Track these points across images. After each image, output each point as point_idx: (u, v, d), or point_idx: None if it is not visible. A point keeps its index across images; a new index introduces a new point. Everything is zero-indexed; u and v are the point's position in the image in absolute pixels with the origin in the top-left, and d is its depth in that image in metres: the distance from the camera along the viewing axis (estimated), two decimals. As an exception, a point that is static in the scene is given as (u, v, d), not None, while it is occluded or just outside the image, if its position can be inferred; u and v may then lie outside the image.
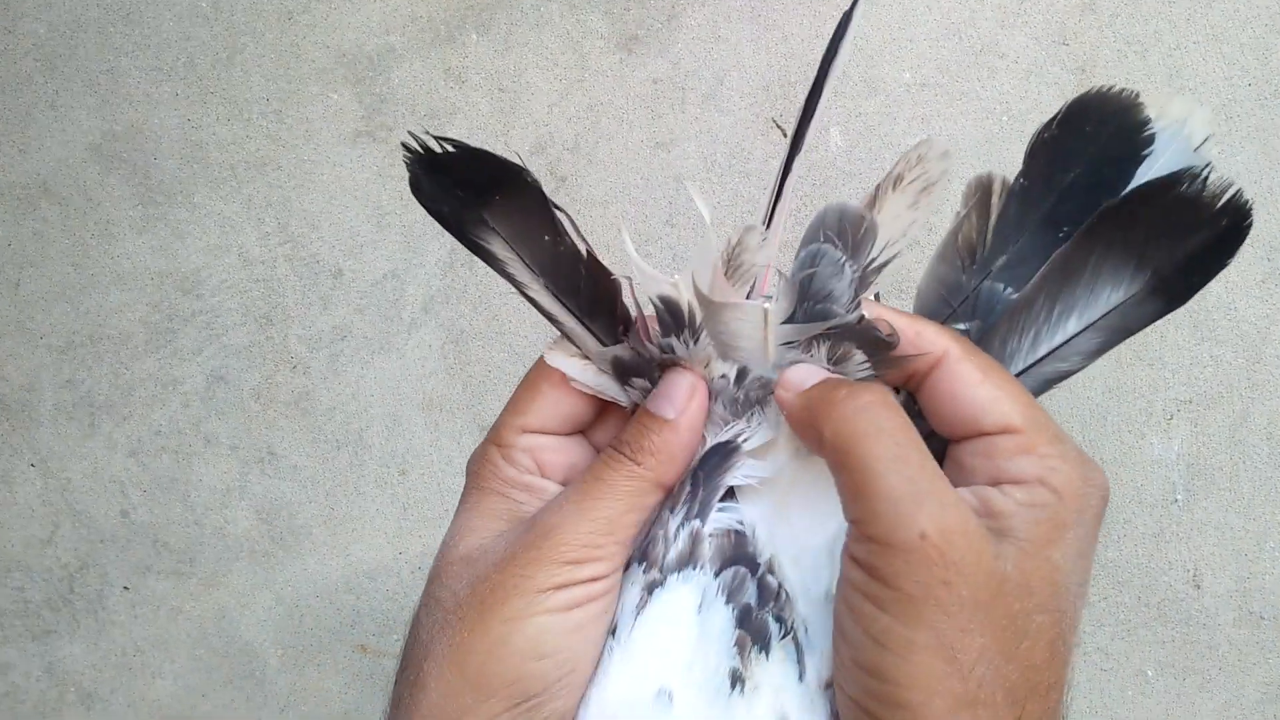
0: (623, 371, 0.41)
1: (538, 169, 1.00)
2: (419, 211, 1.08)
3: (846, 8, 0.39)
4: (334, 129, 1.04)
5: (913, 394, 0.39)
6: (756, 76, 0.94)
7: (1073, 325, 0.40)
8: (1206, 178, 0.37)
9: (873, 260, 0.39)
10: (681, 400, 0.39)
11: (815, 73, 0.39)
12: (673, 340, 0.39)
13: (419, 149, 0.37)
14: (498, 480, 0.40)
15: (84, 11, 1.07)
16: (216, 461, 1.12)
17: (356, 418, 1.09)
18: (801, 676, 0.38)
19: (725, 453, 0.40)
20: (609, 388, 0.41)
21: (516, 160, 0.36)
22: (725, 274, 0.37)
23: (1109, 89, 0.39)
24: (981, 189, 0.42)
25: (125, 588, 1.15)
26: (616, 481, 0.38)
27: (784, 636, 0.38)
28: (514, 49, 0.98)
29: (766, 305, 0.38)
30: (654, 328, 0.40)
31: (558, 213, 0.38)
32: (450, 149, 0.36)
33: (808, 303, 0.39)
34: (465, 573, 0.38)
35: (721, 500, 0.40)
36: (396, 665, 0.40)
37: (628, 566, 0.40)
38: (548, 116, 0.99)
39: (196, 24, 1.05)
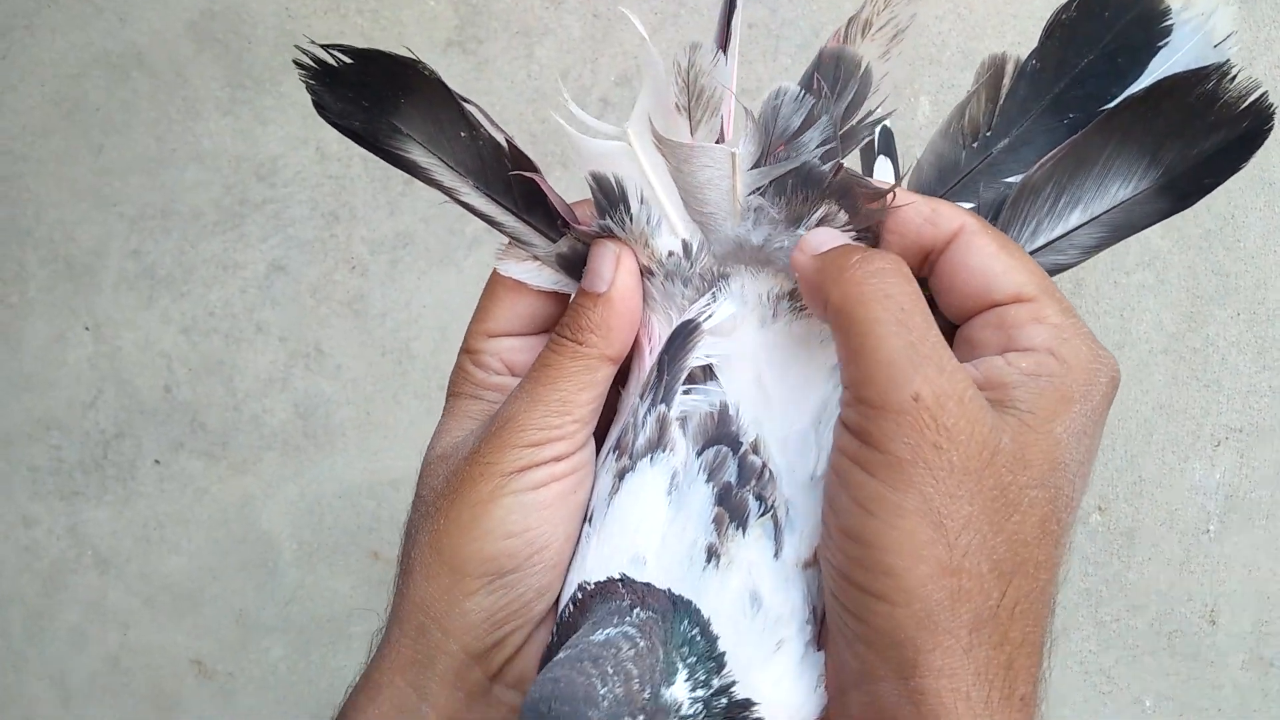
0: (574, 265, 0.41)
1: (620, 101, 1.01)
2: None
3: None
4: (426, 35, 1.05)
5: (924, 279, 0.38)
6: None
7: (1076, 217, 0.39)
8: (1234, 76, 0.36)
9: (855, 112, 0.37)
10: (609, 271, 0.39)
11: None
12: (609, 221, 0.39)
13: (313, 64, 0.36)
14: (469, 384, 0.42)
15: (205, -111, 1.09)
16: (265, 350, 1.14)
17: (407, 327, 1.11)
18: (777, 555, 0.38)
19: (686, 333, 0.40)
20: (563, 284, 0.41)
21: (408, 55, 0.36)
22: (689, 106, 0.36)
23: None
24: (994, 68, 0.41)
25: (157, 461, 1.17)
26: (563, 364, 0.39)
27: (762, 514, 0.38)
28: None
29: (733, 149, 0.37)
30: (589, 210, 0.39)
31: (467, 105, 0.37)
32: (344, 58, 0.36)
33: (774, 148, 0.37)
34: (441, 469, 0.40)
35: (699, 384, 0.40)
36: None
37: (605, 458, 0.41)
38: (637, 49, 1.00)
39: (311, -84, 1.07)
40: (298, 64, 0.35)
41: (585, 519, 0.40)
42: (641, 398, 0.40)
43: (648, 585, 0.37)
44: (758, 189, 0.37)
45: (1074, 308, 0.36)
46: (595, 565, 0.38)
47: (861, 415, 0.34)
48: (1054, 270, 0.40)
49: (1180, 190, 0.38)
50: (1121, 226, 0.39)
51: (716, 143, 0.37)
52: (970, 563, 0.32)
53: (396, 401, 1.12)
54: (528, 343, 0.42)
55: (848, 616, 0.34)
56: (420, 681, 0.39)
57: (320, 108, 0.37)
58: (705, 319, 0.39)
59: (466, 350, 0.42)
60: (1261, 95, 0.37)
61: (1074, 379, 0.34)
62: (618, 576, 0.37)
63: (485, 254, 1.07)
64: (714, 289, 0.40)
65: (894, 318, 0.33)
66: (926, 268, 0.38)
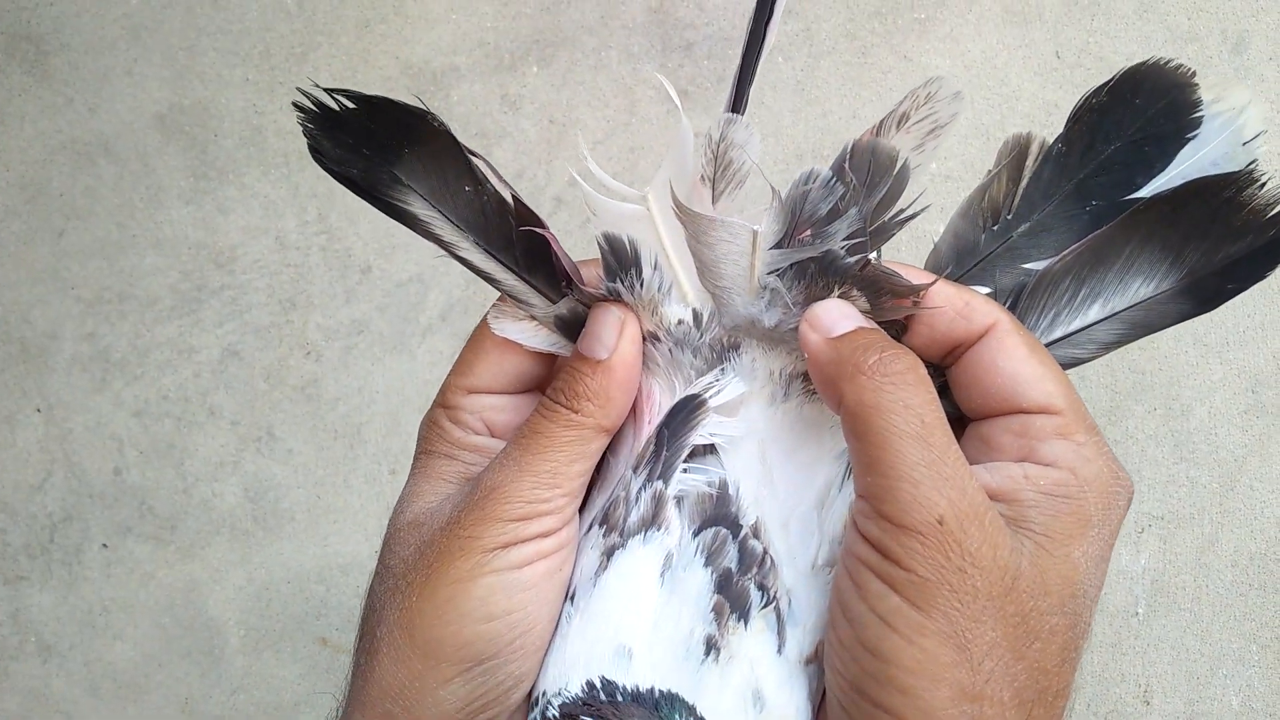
0: (572, 327, 0.38)
1: (573, 200, 1.05)
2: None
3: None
4: (389, 133, 1.09)
5: (943, 369, 0.37)
6: (791, 145, 0.99)
7: (1095, 312, 0.38)
8: (1264, 183, 0.35)
9: (888, 208, 0.36)
10: (611, 338, 0.37)
11: None
12: (619, 285, 0.37)
13: (313, 108, 0.34)
14: (444, 443, 0.39)
15: (176, -9, 1.14)
16: (216, 434, 1.14)
17: (359, 412, 1.13)
18: (780, 649, 0.36)
19: (691, 408, 0.38)
20: (560, 346, 0.39)
21: (419, 104, 0.34)
22: (714, 178, 0.35)
23: (1165, 61, 0.37)
24: (1018, 149, 0.39)
25: (104, 545, 1.17)
26: (555, 432, 0.36)
27: (765, 606, 0.36)
28: (570, 85, 1.04)
29: (755, 226, 0.35)
30: (597, 272, 0.37)
31: (474, 159, 0.35)
32: (348, 103, 0.34)
33: (799, 232, 0.35)
34: (412, 537, 0.37)
35: (698, 458, 0.38)
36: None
37: (589, 530, 0.38)
38: (591, 153, 1.04)
39: (279, 18, 1.11)
40: (297, 106, 0.34)
41: (567, 597, 0.37)
42: (635, 471, 0.37)
43: (626, 704, 0.34)
44: (776, 270, 0.36)
45: (1095, 424, 0.35)
46: (576, 654, 0.35)
47: (882, 530, 0.32)
48: (1070, 364, 0.39)
49: (1203, 294, 0.37)
50: (1141, 325, 0.38)
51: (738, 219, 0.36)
52: (992, 689, 0.31)
53: (347, 485, 1.13)
54: (511, 402, 0.39)
55: None
56: None
57: (316, 153, 0.35)
58: (712, 395, 0.37)
59: (444, 406, 0.39)
60: None
61: (1093, 502, 0.33)
62: (597, 683, 0.35)
63: (439, 341, 1.10)
64: (724, 362, 0.38)
65: (915, 432, 0.32)
66: (950, 359, 0.36)
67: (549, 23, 1.06)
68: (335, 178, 0.36)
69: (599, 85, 1.04)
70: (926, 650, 0.31)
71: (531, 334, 0.38)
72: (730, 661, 0.35)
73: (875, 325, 0.36)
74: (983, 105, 0.99)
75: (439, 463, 0.39)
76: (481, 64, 1.08)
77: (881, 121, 0.36)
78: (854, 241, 0.35)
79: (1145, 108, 0.37)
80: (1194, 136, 0.37)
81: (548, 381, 0.40)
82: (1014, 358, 0.35)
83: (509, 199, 0.36)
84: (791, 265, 0.36)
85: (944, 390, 0.37)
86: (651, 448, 0.37)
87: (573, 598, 0.37)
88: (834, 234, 0.35)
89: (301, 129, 0.34)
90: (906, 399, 0.32)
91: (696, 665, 0.35)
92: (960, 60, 0.98)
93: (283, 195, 1.11)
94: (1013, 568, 0.31)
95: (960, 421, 0.37)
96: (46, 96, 1.15)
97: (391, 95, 0.33)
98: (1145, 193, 0.38)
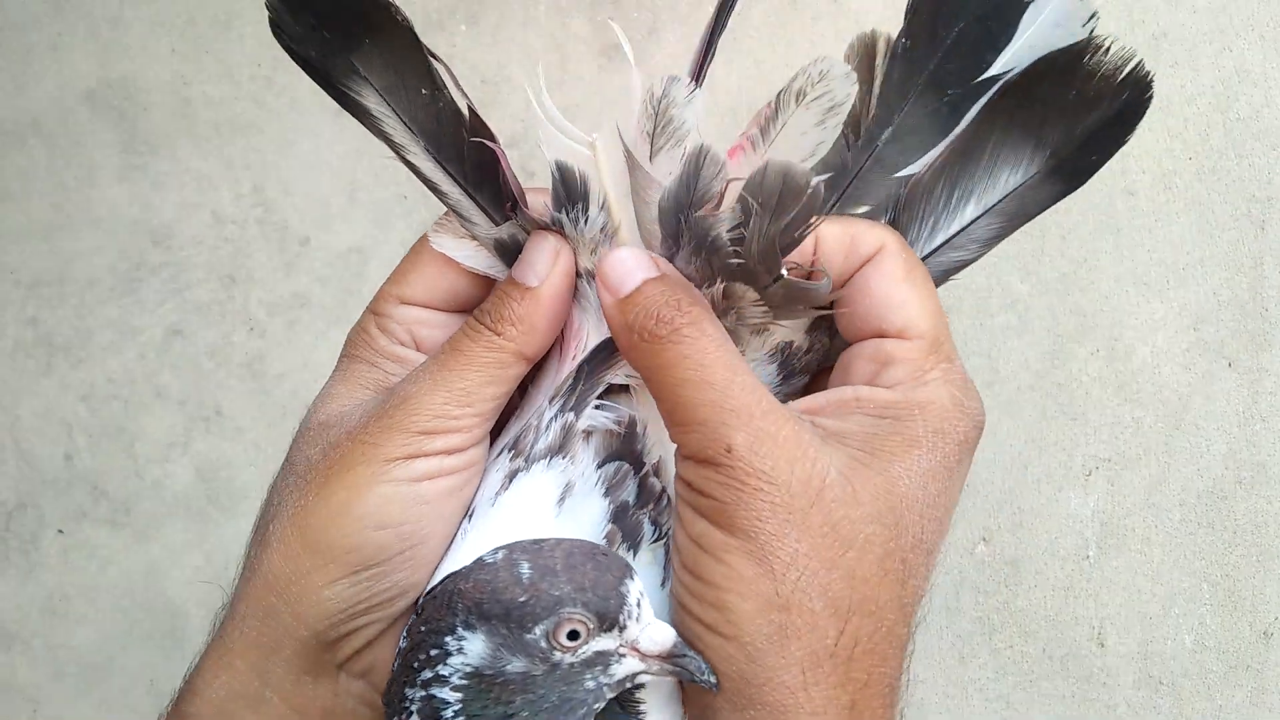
0: (511, 253, 0.38)
1: (512, 160, 1.04)
2: (390, 189, 1.12)
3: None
4: (318, 100, 1.07)
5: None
6: (726, 97, 0.98)
7: (970, 211, 0.38)
8: (1108, 48, 0.35)
9: (797, 227, 0.35)
10: (544, 266, 0.37)
11: None
12: (563, 216, 0.37)
13: None
14: (369, 349, 0.39)
15: (98, -38, 1.11)
16: (164, 415, 1.14)
17: (306, 387, 1.12)
18: (665, 583, 0.37)
19: (612, 348, 0.38)
20: (496, 270, 0.39)
21: None
22: (652, 133, 0.35)
23: None
24: (864, 49, 0.39)
25: (60, 531, 1.16)
26: (475, 352, 0.36)
27: (655, 540, 0.37)
28: (500, 44, 1.03)
29: (657, 180, 0.35)
30: (544, 201, 0.37)
31: (435, 62, 0.35)
32: None
33: (690, 210, 0.36)
34: (320, 438, 0.37)
35: (612, 397, 0.38)
36: None
37: (498, 455, 0.38)
38: (525, 112, 1.03)
39: (202, -14, 1.10)
40: None
41: (466, 515, 0.38)
42: (550, 401, 0.38)
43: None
44: (671, 234, 0.36)
45: (956, 352, 0.35)
46: (462, 562, 0.36)
47: (686, 468, 0.34)
48: (957, 267, 0.39)
49: (1069, 171, 0.37)
50: (1016, 214, 0.38)
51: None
52: (800, 599, 0.32)
53: (298, 460, 1.12)
54: (440, 318, 0.40)
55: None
56: (265, 666, 0.36)
57: (277, 28, 0.34)
58: None
59: (373, 311, 0.39)
60: (1138, 65, 0.35)
61: (923, 424, 0.34)
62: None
63: (383, 312, 1.09)
64: None
65: (695, 378, 0.34)
66: (839, 282, 0.37)
67: (475, -20, 1.04)
68: (292, 57, 0.35)
69: (529, 42, 1.02)
70: (732, 566, 0.32)
71: (470, 253, 0.38)
72: None
73: (663, 271, 0.36)
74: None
75: (359, 368, 0.39)
76: (409, 26, 1.06)
77: (779, 96, 0.35)
78: (734, 234, 0.35)
79: None
80: (1031, 2, 0.36)
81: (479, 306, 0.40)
82: (887, 280, 0.35)
83: (464, 110, 0.35)
84: (681, 236, 0.36)
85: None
86: (569, 382, 0.38)
87: (470, 516, 0.38)
88: (719, 222, 0.35)
89: (265, 4, 0.34)
90: (684, 351, 0.34)
91: None
92: (890, 3, 0.97)
93: (216, 168, 1.10)
94: (816, 478, 0.33)
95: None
96: (-31, 77, 1.13)
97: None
98: (997, 69, 0.37)
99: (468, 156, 0.36)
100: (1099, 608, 1.03)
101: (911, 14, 0.38)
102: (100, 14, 1.10)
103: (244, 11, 1.09)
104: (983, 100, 0.37)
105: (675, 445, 0.35)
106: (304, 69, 0.36)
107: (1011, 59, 0.37)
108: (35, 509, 1.16)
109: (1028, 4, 0.36)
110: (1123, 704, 1.03)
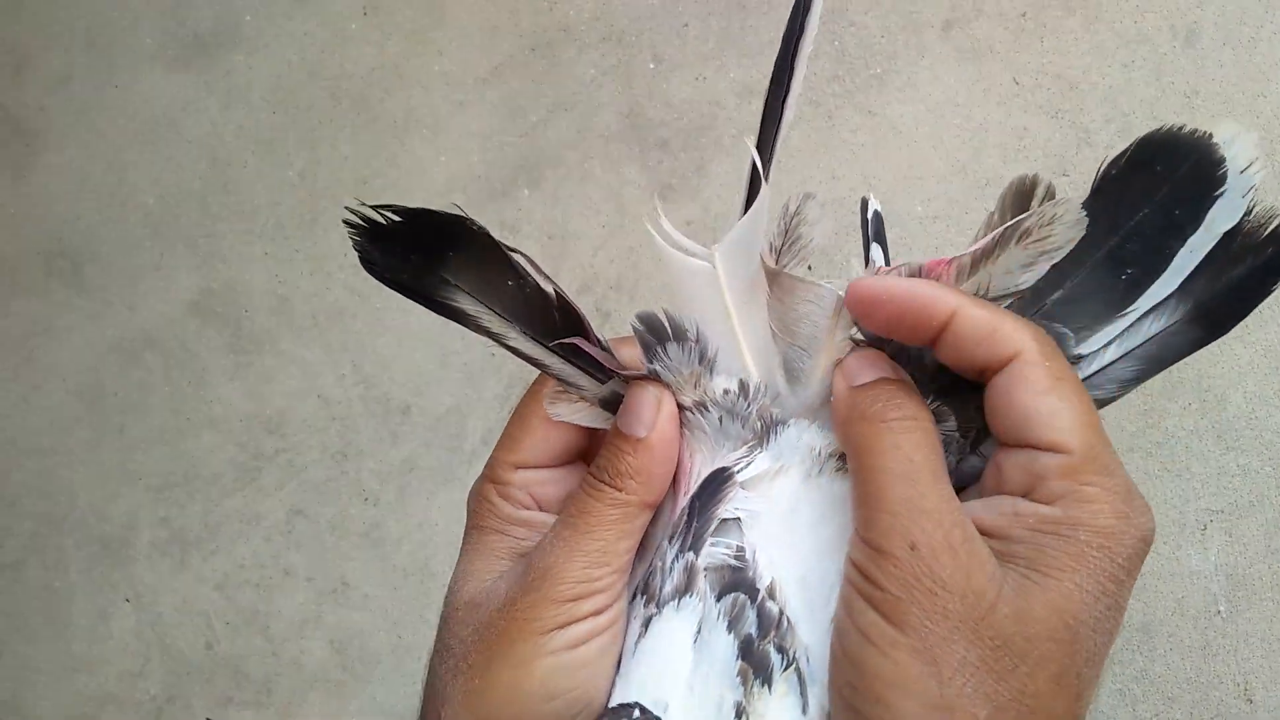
0: (617, 403, 0.40)
1: (585, 307, 1.09)
2: (478, 350, 1.17)
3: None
4: (403, 280, 1.14)
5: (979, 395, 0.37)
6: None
7: (1112, 353, 0.39)
8: (1251, 209, 0.37)
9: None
10: (650, 415, 0.38)
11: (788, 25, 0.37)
12: (657, 365, 0.38)
13: (361, 223, 0.36)
14: (495, 519, 0.40)
15: (188, 184, 1.21)
16: (294, 593, 1.19)
17: (423, 547, 1.16)
18: (805, 709, 0.37)
19: (720, 481, 0.39)
20: (609, 420, 0.40)
21: (458, 211, 0.36)
22: (779, 249, 0.37)
23: (1179, 128, 0.38)
24: (1020, 193, 0.40)
25: (208, 719, 1.21)
26: (602, 511, 0.37)
27: (786, 668, 0.37)
28: (561, 201, 1.09)
29: (841, 291, 0.37)
30: (636, 352, 0.39)
31: (514, 255, 0.37)
32: (394, 217, 0.36)
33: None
34: (470, 618, 0.38)
35: (721, 532, 0.39)
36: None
37: (633, 599, 0.39)
38: (592, 260, 1.08)
39: (285, 191, 1.18)
40: (347, 223, 0.36)
41: (615, 667, 0.38)
42: (670, 541, 0.39)
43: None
44: (855, 339, 0.37)
45: (1119, 462, 0.35)
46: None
47: (864, 554, 0.34)
48: (1098, 405, 0.38)
49: (1213, 320, 0.38)
50: (1157, 359, 0.39)
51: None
52: (964, 704, 0.32)
53: (424, 620, 1.16)
54: (555, 475, 0.41)
55: None
56: None
57: (368, 263, 0.37)
58: (740, 469, 0.39)
59: (492, 480, 0.40)
60: None
61: (1088, 541, 0.34)
62: (632, 703, 0.36)
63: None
64: (771, 433, 0.39)
65: (901, 470, 0.34)
66: (985, 379, 0.37)
67: (531, 147, 1.11)
68: (387, 284, 0.37)
69: (588, 195, 1.09)
70: (898, 662, 0.32)
71: (583, 413, 0.40)
72: None
73: (901, 376, 0.38)
74: (954, 142, 1.02)
75: (490, 539, 0.40)
76: (476, 196, 1.13)
77: (1005, 231, 0.36)
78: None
79: (1167, 173, 0.38)
80: (1221, 194, 0.37)
81: (589, 451, 0.41)
82: (1031, 391, 0.35)
83: (551, 293, 0.37)
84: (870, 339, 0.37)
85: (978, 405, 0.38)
86: (684, 520, 0.39)
87: (619, 666, 0.38)
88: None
89: (352, 244, 0.36)
90: (898, 442, 0.35)
91: None
92: (923, 105, 1.01)
93: (317, 355, 1.17)
94: (990, 593, 0.33)
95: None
96: (88, 305, 1.23)
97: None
98: (1181, 257, 0.38)
99: (561, 330, 0.38)
100: (1240, 663, 1.01)
101: (1095, 195, 0.39)
102: (195, 231, 1.20)
103: (326, 209, 1.17)
104: (1158, 280, 0.38)
105: (856, 524, 0.36)
106: (400, 292, 0.38)
107: (1199, 247, 0.38)
108: (184, 700, 1.21)
109: (1217, 198, 0.37)
110: (1285, 759, 1.00)
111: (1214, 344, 0.39)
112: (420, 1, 1.15)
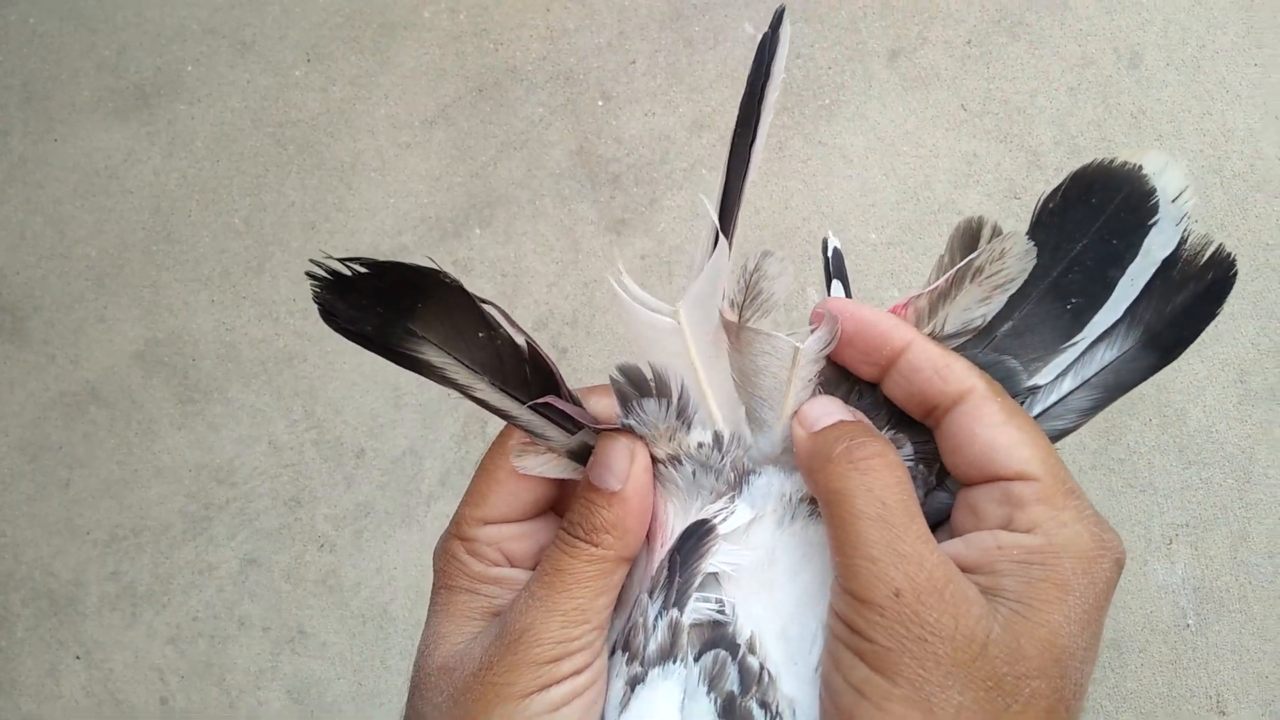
0: (586, 455, 0.39)
1: (543, 344, 1.07)
2: (433, 390, 1.15)
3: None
4: (354, 322, 1.13)
5: (931, 430, 0.38)
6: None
7: (1068, 383, 0.39)
8: (1185, 238, 0.37)
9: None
10: (623, 467, 0.37)
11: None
12: (635, 418, 0.38)
13: (325, 275, 0.35)
14: (464, 578, 0.39)
15: (130, 234, 1.19)
16: (250, 644, 1.16)
17: (381, 592, 1.14)
18: None
19: (701, 534, 0.38)
20: (578, 472, 0.39)
21: (430, 264, 0.35)
22: (741, 304, 0.37)
23: (1110, 160, 0.39)
24: (968, 234, 0.40)
25: (164, 777, 1.17)
26: (577, 568, 0.37)
27: None
28: (513, 239, 1.08)
29: (799, 343, 0.37)
30: (609, 402, 0.38)
31: (486, 306, 0.36)
32: (361, 269, 0.35)
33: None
34: (444, 683, 0.37)
35: (703, 587, 0.39)
36: None
37: (612, 653, 0.39)
38: (547, 295, 1.07)
39: (230, 238, 1.16)
40: (310, 275, 0.34)
41: None
42: (651, 596, 0.38)
43: None
44: (814, 385, 0.38)
45: (1080, 488, 0.36)
46: None
47: (848, 605, 0.34)
48: (1056, 436, 0.40)
49: (1163, 345, 0.39)
50: (1113, 386, 0.39)
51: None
52: None
53: (385, 666, 1.14)
54: (525, 529, 0.40)
55: None
56: None
57: (328, 315, 0.36)
58: (721, 522, 0.38)
59: (459, 538, 0.39)
60: (1218, 248, 0.37)
61: (1072, 568, 0.34)
62: None
63: (443, 506, 1.12)
64: (743, 483, 0.39)
65: (875, 513, 0.34)
66: (930, 420, 0.38)
67: (480, 186, 1.10)
68: (349, 337, 0.36)
69: (541, 232, 1.07)
70: (894, 714, 0.32)
71: (551, 465, 0.39)
72: None
73: (858, 418, 0.38)
74: (905, 170, 1.02)
75: (460, 599, 0.39)
76: (426, 237, 1.12)
77: (956, 271, 0.38)
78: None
79: (1102, 205, 0.39)
80: (1155, 223, 0.38)
81: (559, 502, 0.40)
82: (990, 424, 0.35)
83: (523, 345, 0.37)
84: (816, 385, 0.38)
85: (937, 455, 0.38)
86: (665, 573, 0.38)
87: None
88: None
89: (313, 294, 0.35)
90: (869, 484, 0.34)
91: None
92: (872, 134, 1.01)
93: (266, 401, 1.15)
94: (980, 635, 0.33)
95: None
96: (30, 359, 1.20)
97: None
98: (1123, 286, 0.39)
99: (531, 382, 0.37)
100: (1211, 676, 1.01)
101: (1035, 228, 0.39)
102: (139, 281, 1.17)
103: (273, 254, 1.15)
104: (1102, 309, 0.39)
105: (836, 578, 0.35)
106: (361, 344, 0.37)
107: (1138, 275, 0.39)
108: (138, 760, 1.17)
109: (1150, 227, 0.38)
110: (1259, 772, 1.00)
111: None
112: (364, 47, 1.14)
